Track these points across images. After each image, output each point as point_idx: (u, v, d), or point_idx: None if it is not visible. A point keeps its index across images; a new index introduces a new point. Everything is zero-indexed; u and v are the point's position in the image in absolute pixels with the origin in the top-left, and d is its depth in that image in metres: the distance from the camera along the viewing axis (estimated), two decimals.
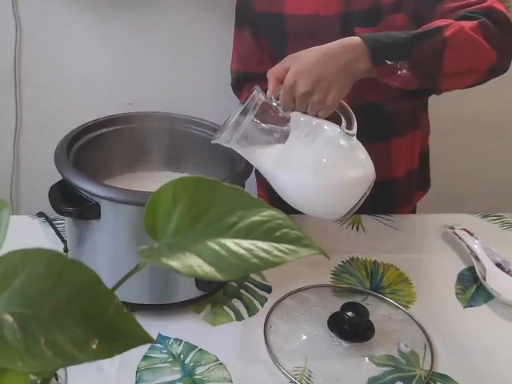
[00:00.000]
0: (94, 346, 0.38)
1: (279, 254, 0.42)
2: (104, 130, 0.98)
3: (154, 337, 0.85)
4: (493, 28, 0.90)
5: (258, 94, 0.83)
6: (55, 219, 1.08)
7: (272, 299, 0.95)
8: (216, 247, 0.42)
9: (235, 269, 0.41)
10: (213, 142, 0.85)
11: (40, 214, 1.10)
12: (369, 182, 0.86)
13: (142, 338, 0.41)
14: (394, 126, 1.18)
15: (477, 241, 1.09)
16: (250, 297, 0.95)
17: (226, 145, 0.85)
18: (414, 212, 1.35)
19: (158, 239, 0.44)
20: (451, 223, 1.15)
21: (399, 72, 0.87)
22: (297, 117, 0.86)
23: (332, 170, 0.85)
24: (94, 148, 0.96)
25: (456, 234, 1.11)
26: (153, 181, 1.00)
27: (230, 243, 0.43)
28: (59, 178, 0.85)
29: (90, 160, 0.93)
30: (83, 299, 0.39)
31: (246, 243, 0.43)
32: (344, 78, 0.85)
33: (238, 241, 0.43)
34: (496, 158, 2.04)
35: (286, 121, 0.85)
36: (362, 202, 0.87)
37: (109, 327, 0.39)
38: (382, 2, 1.03)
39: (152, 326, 0.85)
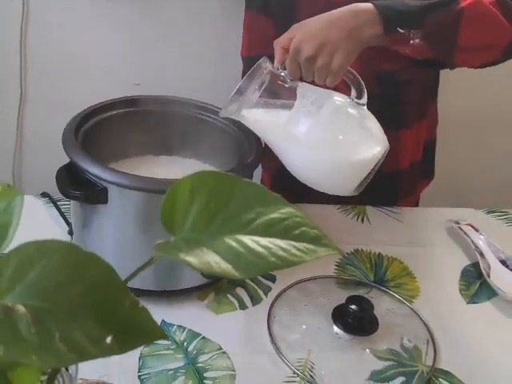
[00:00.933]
0: (109, 341, 0.38)
1: (298, 253, 0.42)
2: (113, 113, 0.97)
3: (158, 323, 0.85)
4: (510, 3, 0.88)
5: (264, 63, 0.82)
6: (59, 200, 1.07)
7: (276, 289, 0.94)
8: (234, 244, 0.42)
9: (253, 267, 0.41)
10: (220, 115, 0.84)
11: (44, 195, 1.09)
12: (380, 153, 0.83)
13: (157, 333, 0.40)
14: (402, 116, 1.17)
15: (482, 237, 1.08)
16: (255, 286, 0.95)
17: (232, 116, 0.84)
18: (417, 202, 1.34)
19: (175, 233, 0.43)
20: (456, 218, 1.14)
21: (411, 41, 0.86)
22: (304, 85, 0.84)
23: (338, 142, 0.82)
24: (101, 131, 0.95)
25: (461, 229, 1.11)
26: (161, 165, 0.99)
27: (247, 240, 0.42)
28: (63, 157, 0.84)
29: (98, 143, 0.92)
30: (99, 293, 0.39)
31: (265, 241, 0.42)
32: (350, 43, 0.83)
33: (256, 238, 0.42)
34: (503, 154, 2.03)
35: (294, 92, 0.83)
36: (372, 174, 0.85)
37: (124, 322, 0.39)
38: None
39: (156, 312, 0.83)
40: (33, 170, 1.79)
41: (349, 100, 0.82)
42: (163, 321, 0.85)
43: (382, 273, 1.02)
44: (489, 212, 1.23)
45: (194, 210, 0.43)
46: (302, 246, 0.42)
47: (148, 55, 1.71)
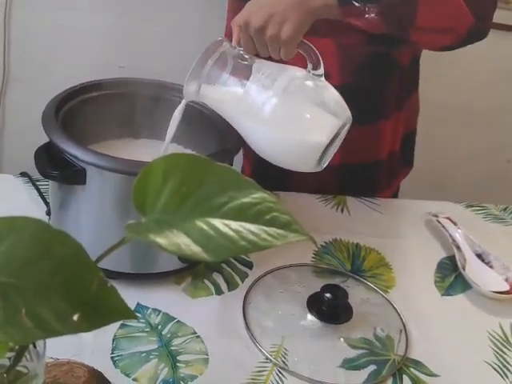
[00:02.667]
0: (76, 319, 0.38)
1: (268, 237, 0.42)
2: (94, 94, 0.96)
3: (133, 306, 0.85)
4: None
5: (221, 41, 0.82)
6: (38, 180, 1.06)
7: (253, 275, 0.95)
8: (204, 227, 0.42)
9: (223, 250, 0.41)
10: (184, 98, 0.84)
11: (23, 174, 1.08)
12: (337, 126, 0.80)
13: (125, 313, 0.40)
14: (381, 108, 1.18)
15: (459, 230, 1.09)
16: (231, 272, 0.95)
17: (194, 98, 0.84)
18: (397, 192, 1.35)
19: (146, 215, 0.43)
20: (435, 211, 1.15)
21: (367, 15, 0.85)
22: (260, 61, 0.84)
23: (291, 119, 0.81)
24: (82, 112, 0.94)
25: (439, 222, 1.12)
26: (140, 148, 0.99)
27: (218, 223, 0.42)
28: (45, 138, 0.84)
29: (78, 124, 0.92)
30: (67, 271, 0.39)
31: (235, 224, 0.42)
32: (298, 13, 0.82)
33: (227, 221, 0.42)
34: (485, 149, 2.06)
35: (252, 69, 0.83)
36: (335, 146, 0.83)
37: (91, 301, 0.39)
38: None
39: (131, 295, 0.85)
40: (14, 149, 1.78)
41: (305, 72, 0.81)
42: (138, 303, 0.85)
43: (359, 263, 1.03)
44: (467, 206, 1.24)
45: (167, 192, 0.44)
46: (273, 230, 0.42)
47: (133, 38, 1.70)
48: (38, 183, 1.06)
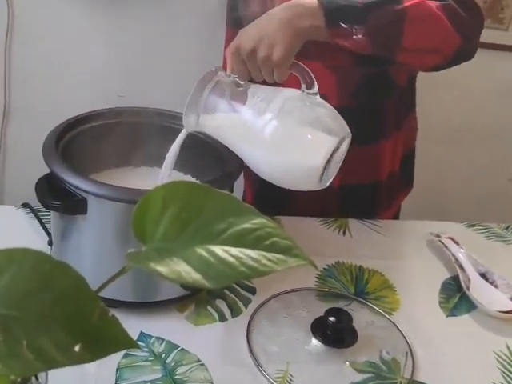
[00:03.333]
0: (77, 350, 0.38)
1: (268, 263, 0.42)
2: (94, 124, 0.97)
3: (136, 334, 0.84)
4: (458, 10, 0.89)
5: (216, 70, 0.83)
6: (40, 211, 1.07)
7: (256, 301, 0.94)
8: (204, 254, 0.42)
9: (223, 277, 0.41)
10: (185, 130, 0.85)
11: (25, 205, 1.09)
12: (333, 144, 0.80)
13: (126, 342, 0.40)
14: (380, 128, 1.19)
15: (462, 250, 1.09)
16: (235, 298, 0.95)
17: (194, 128, 0.84)
18: (398, 213, 1.36)
19: (146, 243, 0.44)
20: (437, 231, 1.15)
21: (354, 36, 0.86)
22: (255, 86, 0.84)
23: (287, 141, 0.80)
24: (82, 142, 0.95)
25: (442, 243, 1.12)
26: (140, 177, 1.00)
27: (218, 250, 0.42)
28: (46, 168, 0.84)
29: (79, 154, 0.92)
30: (68, 303, 0.39)
31: (235, 251, 0.42)
32: (287, 34, 0.83)
33: (226, 248, 0.42)
34: (484, 168, 2.06)
35: (247, 94, 0.83)
36: (339, 160, 0.83)
37: (93, 331, 0.39)
38: None
39: (134, 323, 0.85)
40: (15, 180, 1.79)
41: (299, 92, 0.81)
42: (141, 332, 0.85)
43: (363, 285, 1.02)
44: (469, 225, 1.24)
45: (166, 220, 0.44)
46: (273, 256, 0.42)
47: (133, 67, 1.72)
48: (39, 214, 1.06)
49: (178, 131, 0.89)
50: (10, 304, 0.37)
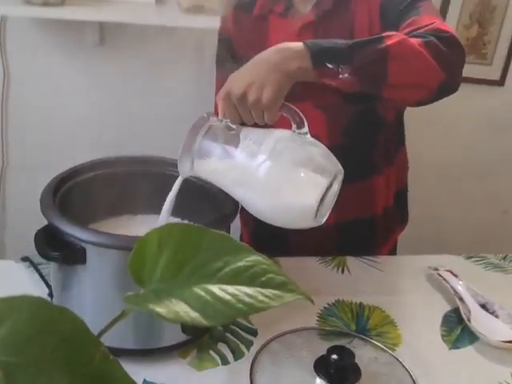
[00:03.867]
0: None
1: (264, 299, 0.43)
2: (90, 175, 0.98)
3: (139, 382, 0.84)
4: (440, 46, 0.91)
5: (207, 116, 0.85)
6: (40, 264, 1.07)
7: (258, 342, 0.94)
8: (202, 293, 0.43)
9: (221, 314, 0.42)
10: (181, 177, 0.87)
11: (25, 259, 1.09)
12: (326, 181, 0.81)
13: None
14: (372, 164, 1.21)
15: (461, 282, 1.09)
16: (236, 340, 0.95)
17: (190, 174, 0.86)
18: (394, 248, 1.36)
19: (144, 286, 0.44)
20: (435, 264, 1.16)
21: (341, 76, 0.88)
22: (247, 129, 0.86)
23: (280, 182, 0.81)
24: (79, 192, 0.96)
25: (440, 276, 1.12)
26: (139, 224, 1.01)
27: (215, 289, 0.43)
28: (45, 222, 0.85)
29: (76, 205, 0.93)
30: (69, 347, 0.39)
31: (232, 289, 0.43)
32: (276, 77, 0.85)
33: (223, 286, 0.43)
34: (478, 200, 2.08)
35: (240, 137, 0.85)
36: (333, 197, 0.84)
37: (95, 375, 0.39)
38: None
39: (136, 371, 0.84)
40: (15, 234, 1.80)
41: (290, 132, 0.83)
42: (145, 380, 0.84)
43: (364, 322, 1.02)
44: (467, 258, 1.25)
45: (163, 262, 0.45)
46: (269, 292, 0.43)
47: (127, 117, 1.75)
48: (39, 266, 1.06)
49: (174, 177, 0.91)
50: (11, 351, 0.38)
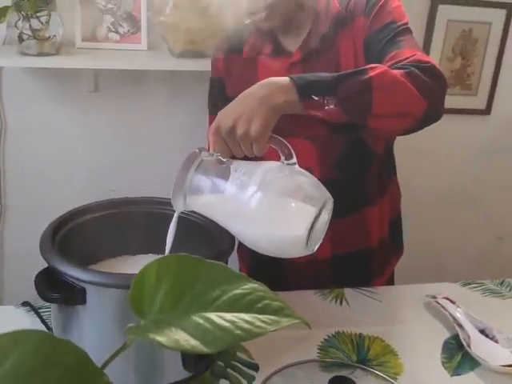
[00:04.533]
0: None
1: (262, 324, 0.44)
2: (88, 217, 1.00)
3: None
4: (421, 76, 0.93)
5: (198, 152, 0.87)
6: (40, 307, 1.08)
7: (260, 377, 0.94)
8: (200, 321, 0.44)
9: (220, 341, 0.43)
10: (177, 213, 0.88)
11: (25, 304, 1.10)
12: (315, 211, 0.82)
13: None
14: (365, 195, 1.23)
15: (459, 309, 1.10)
16: (238, 376, 0.94)
17: (184, 209, 0.88)
18: (392, 278, 1.37)
19: (145, 317, 0.46)
20: (433, 292, 1.17)
21: (326, 107, 0.90)
22: (236, 162, 0.87)
23: (269, 214, 0.82)
24: (77, 235, 0.97)
25: (438, 303, 1.13)
26: (137, 264, 1.01)
27: (213, 316, 0.44)
28: (43, 265, 0.86)
29: (75, 246, 0.94)
30: (73, 378, 0.40)
31: (229, 316, 0.44)
32: (264, 110, 0.87)
33: (221, 314, 0.44)
34: (472, 227, 2.10)
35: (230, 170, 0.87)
36: (324, 225, 0.85)
37: None
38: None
39: None
40: (14, 280, 1.80)
41: (279, 163, 0.85)
42: None
43: (365, 352, 1.03)
44: (465, 284, 1.26)
45: (162, 293, 0.46)
46: (266, 317, 0.44)
47: (122, 162, 1.77)
48: (39, 310, 1.07)
49: (170, 216, 0.92)
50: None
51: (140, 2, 1.62)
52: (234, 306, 0.45)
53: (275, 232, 0.83)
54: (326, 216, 0.84)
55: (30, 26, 1.47)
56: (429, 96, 0.92)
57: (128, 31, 1.64)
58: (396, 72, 0.92)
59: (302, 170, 0.86)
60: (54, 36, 1.51)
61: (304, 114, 0.91)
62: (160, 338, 0.42)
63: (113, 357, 0.46)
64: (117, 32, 1.63)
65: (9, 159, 1.73)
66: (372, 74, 0.90)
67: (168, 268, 0.47)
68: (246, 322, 0.44)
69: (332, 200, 0.85)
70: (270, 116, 0.88)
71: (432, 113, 0.95)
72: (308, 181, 0.86)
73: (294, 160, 0.85)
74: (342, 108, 0.90)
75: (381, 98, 0.90)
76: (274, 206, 0.82)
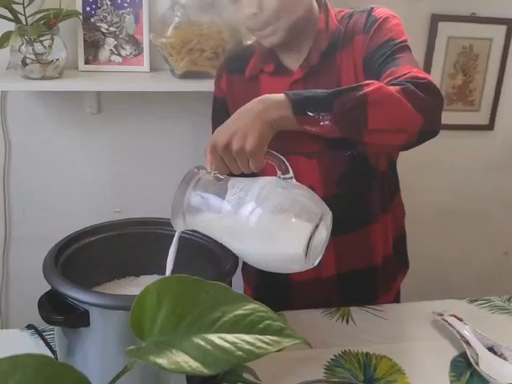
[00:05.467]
0: None
1: (263, 345, 0.44)
2: (92, 239, 1.00)
3: None
4: (417, 92, 0.93)
5: (195, 170, 0.87)
6: (44, 330, 1.08)
7: None
8: (201, 343, 0.44)
9: (221, 362, 0.42)
10: (177, 233, 0.88)
11: (29, 327, 1.10)
12: (311, 227, 0.81)
13: None
14: (368, 212, 1.22)
15: (467, 326, 1.09)
16: None
17: (184, 228, 0.88)
18: (398, 296, 1.36)
19: (145, 339, 0.45)
20: (439, 310, 1.16)
21: (321, 123, 0.90)
22: (234, 179, 0.88)
23: (265, 231, 0.82)
24: (81, 257, 0.97)
25: (445, 321, 1.12)
26: (142, 285, 1.01)
27: (214, 338, 0.44)
28: (48, 288, 0.86)
29: (79, 269, 0.94)
30: None
31: (231, 337, 0.44)
32: (258, 125, 0.87)
33: (222, 335, 0.44)
34: (478, 242, 2.09)
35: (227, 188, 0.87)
36: (323, 239, 0.84)
37: None
38: None
39: None
40: (19, 304, 1.80)
41: (275, 178, 0.85)
42: None
43: (372, 371, 1.01)
44: (472, 301, 1.25)
45: (162, 315, 0.46)
46: (267, 338, 0.44)
47: (126, 183, 1.78)
48: (44, 333, 1.07)
49: (172, 236, 0.92)
50: None
51: (142, 25, 1.64)
52: (235, 327, 0.45)
53: (273, 248, 0.83)
54: (324, 230, 0.84)
55: (34, 50, 1.48)
56: (424, 112, 0.92)
57: (130, 53, 1.65)
58: (391, 88, 0.92)
59: (299, 184, 0.86)
60: (57, 60, 1.52)
61: (301, 131, 0.91)
62: (160, 361, 0.42)
63: (115, 380, 0.46)
64: (119, 54, 1.65)
65: (13, 180, 1.74)
66: (367, 89, 0.90)
67: (168, 289, 0.47)
68: (248, 343, 0.44)
69: (330, 213, 0.85)
70: (265, 131, 0.88)
71: (428, 128, 0.95)
72: (305, 194, 0.86)
73: (291, 174, 0.85)
74: (337, 124, 0.90)
75: (376, 113, 0.90)
76: (270, 221, 0.82)
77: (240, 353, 0.43)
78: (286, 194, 0.84)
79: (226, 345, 0.43)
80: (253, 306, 0.46)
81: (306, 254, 0.81)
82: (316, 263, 0.85)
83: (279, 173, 0.85)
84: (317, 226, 0.81)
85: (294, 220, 0.82)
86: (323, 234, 0.84)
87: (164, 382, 0.86)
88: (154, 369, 0.85)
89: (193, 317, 0.46)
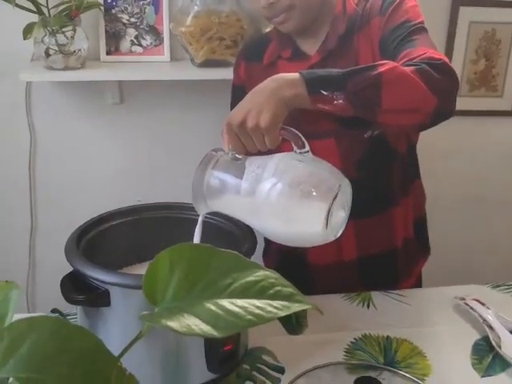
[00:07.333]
0: None
1: (273, 309, 0.44)
2: (112, 223, 1.02)
3: None
4: (432, 73, 0.92)
5: (213, 152, 0.88)
6: (69, 314, 1.10)
7: (286, 380, 0.93)
8: (212, 307, 0.44)
9: (231, 326, 0.43)
10: (201, 216, 0.89)
11: (54, 311, 1.12)
12: (333, 190, 0.82)
13: None
14: (388, 195, 1.22)
15: (489, 310, 1.08)
16: (264, 379, 0.94)
17: (207, 211, 0.89)
18: (420, 280, 1.35)
19: (158, 305, 0.46)
20: (461, 294, 1.15)
21: (335, 102, 0.90)
22: (251, 157, 0.88)
23: (284, 207, 0.82)
24: (102, 240, 0.99)
25: (467, 305, 1.11)
26: None
27: (225, 303, 0.45)
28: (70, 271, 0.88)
29: (100, 252, 0.96)
30: (87, 363, 0.41)
31: (241, 302, 0.45)
32: (272, 102, 0.88)
33: (233, 300, 0.45)
34: (503, 229, 2.06)
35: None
36: (344, 210, 0.85)
37: None
38: None
39: None
40: (45, 291, 1.83)
41: (292, 153, 0.86)
42: None
43: (392, 355, 1.01)
44: (495, 286, 1.24)
45: (175, 282, 0.46)
46: (277, 303, 0.45)
47: (149, 172, 1.79)
48: (68, 317, 1.09)
49: (195, 221, 0.93)
50: (31, 368, 0.40)
51: (162, 15, 1.65)
52: (245, 292, 0.45)
53: (294, 220, 0.84)
54: (344, 199, 0.84)
55: (56, 41, 1.51)
56: (439, 92, 0.92)
57: (151, 43, 1.66)
58: (406, 68, 0.92)
59: (315, 157, 0.86)
60: (79, 50, 1.54)
61: (315, 110, 0.91)
62: (172, 324, 0.43)
63: (130, 345, 0.47)
64: (140, 45, 1.66)
65: (39, 170, 1.77)
66: (381, 69, 0.90)
67: (181, 256, 0.48)
68: (258, 307, 0.44)
69: (348, 183, 0.85)
70: (280, 108, 0.88)
71: (442, 109, 0.94)
72: (321, 166, 0.86)
73: (307, 148, 0.85)
74: (351, 103, 0.90)
75: (390, 93, 0.90)
76: (289, 195, 0.82)
77: (250, 317, 0.43)
78: (303, 166, 0.85)
79: (237, 309, 0.44)
80: (264, 273, 0.47)
81: (327, 225, 0.81)
82: (338, 235, 0.86)
83: (295, 148, 0.86)
84: (335, 197, 0.82)
85: (312, 191, 0.83)
86: (343, 204, 0.84)
87: (184, 362, 0.87)
88: (174, 349, 0.86)
89: (204, 283, 0.46)
